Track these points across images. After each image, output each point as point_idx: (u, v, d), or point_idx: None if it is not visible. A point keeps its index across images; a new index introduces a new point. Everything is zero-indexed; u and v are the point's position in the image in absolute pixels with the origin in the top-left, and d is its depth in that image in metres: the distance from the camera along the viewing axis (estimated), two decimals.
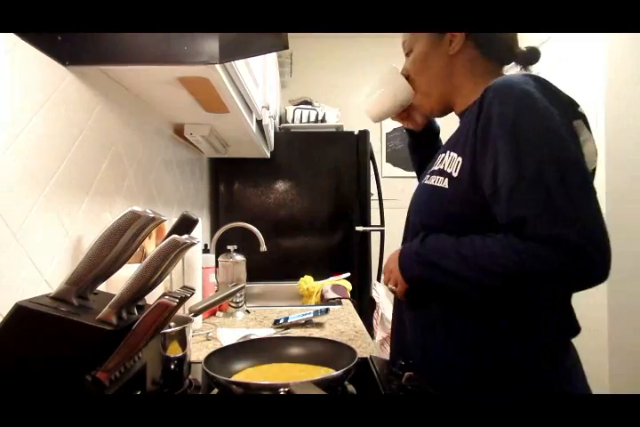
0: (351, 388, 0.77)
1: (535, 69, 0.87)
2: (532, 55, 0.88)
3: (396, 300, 0.93)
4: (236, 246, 1.63)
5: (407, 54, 0.94)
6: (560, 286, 0.69)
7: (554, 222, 0.63)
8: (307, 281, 1.98)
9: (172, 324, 0.80)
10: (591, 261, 0.63)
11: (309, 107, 2.76)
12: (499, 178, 0.68)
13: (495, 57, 0.86)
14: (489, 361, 0.75)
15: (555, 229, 0.63)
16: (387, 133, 3.40)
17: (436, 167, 0.83)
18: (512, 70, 0.88)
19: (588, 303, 1.95)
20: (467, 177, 0.73)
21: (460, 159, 0.76)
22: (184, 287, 0.60)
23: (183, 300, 0.55)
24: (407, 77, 0.93)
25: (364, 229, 2.32)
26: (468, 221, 0.76)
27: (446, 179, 0.77)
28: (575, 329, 0.79)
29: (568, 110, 0.72)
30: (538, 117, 0.68)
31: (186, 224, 0.69)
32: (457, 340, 0.78)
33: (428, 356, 0.82)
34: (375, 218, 2.52)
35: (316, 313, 1.38)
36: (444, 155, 0.82)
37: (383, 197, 2.63)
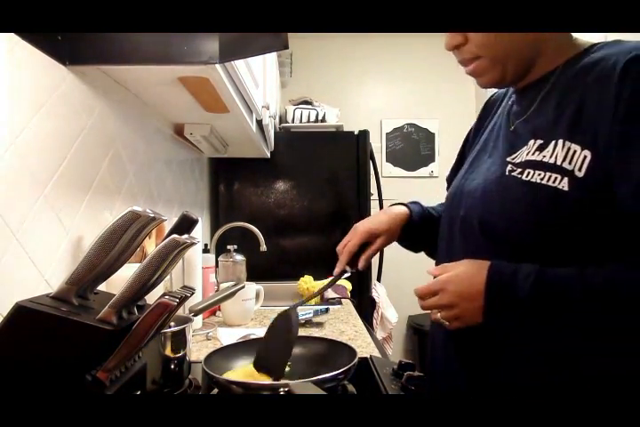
0: (351, 388, 0.77)
1: None
2: None
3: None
4: (235, 246, 1.63)
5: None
6: None
7: None
8: (307, 281, 1.98)
9: (172, 324, 0.80)
10: None
11: (309, 107, 2.76)
12: None
13: None
14: None
15: None
16: (387, 133, 3.40)
17: (532, 157, 0.64)
18: None
19: None
20: (599, 179, 0.58)
21: (587, 154, 0.58)
22: (184, 287, 0.60)
23: (183, 300, 0.55)
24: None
25: None
26: (576, 239, 0.60)
27: (565, 178, 0.59)
28: None
29: None
30: None
31: (186, 224, 0.69)
32: None
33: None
34: None
35: (316, 313, 1.38)
36: (543, 142, 0.63)
37: (383, 197, 2.62)
